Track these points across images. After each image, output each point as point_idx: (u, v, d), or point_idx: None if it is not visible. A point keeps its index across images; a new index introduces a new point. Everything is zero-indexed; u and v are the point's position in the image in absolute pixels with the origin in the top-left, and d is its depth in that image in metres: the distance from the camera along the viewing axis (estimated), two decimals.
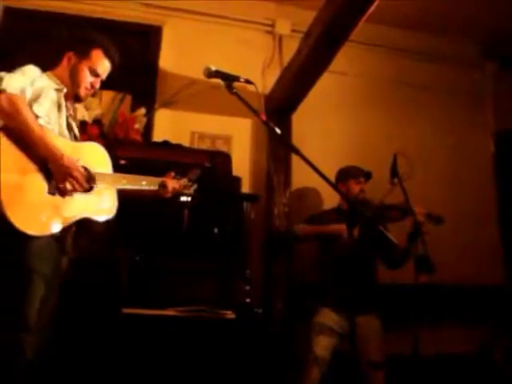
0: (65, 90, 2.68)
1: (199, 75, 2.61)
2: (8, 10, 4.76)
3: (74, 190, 2.46)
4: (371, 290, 3.88)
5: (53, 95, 2.60)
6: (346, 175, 4.04)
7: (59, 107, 2.64)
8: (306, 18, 4.27)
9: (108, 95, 4.65)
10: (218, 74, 2.51)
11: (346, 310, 3.73)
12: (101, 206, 2.65)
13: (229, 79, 2.50)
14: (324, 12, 3.87)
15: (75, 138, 2.76)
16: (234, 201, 4.03)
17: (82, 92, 2.75)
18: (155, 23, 5.04)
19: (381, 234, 2.49)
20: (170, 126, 4.79)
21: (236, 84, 2.51)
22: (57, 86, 2.65)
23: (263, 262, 4.63)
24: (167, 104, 4.76)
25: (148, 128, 4.69)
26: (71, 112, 2.78)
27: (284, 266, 4.57)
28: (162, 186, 3.01)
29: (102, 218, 2.65)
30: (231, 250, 3.85)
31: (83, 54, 2.74)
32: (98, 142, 4.10)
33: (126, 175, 2.85)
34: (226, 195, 4.04)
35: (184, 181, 3.17)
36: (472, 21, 5.29)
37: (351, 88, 5.33)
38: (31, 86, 2.45)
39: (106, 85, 4.49)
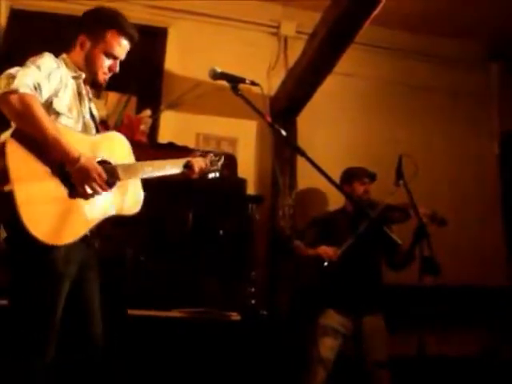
0: (83, 76, 2.53)
1: (204, 77, 2.61)
2: (14, 12, 4.79)
3: (95, 192, 2.30)
4: (376, 291, 3.88)
5: (72, 83, 2.47)
6: (351, 176, 4.03)
7: (80, 96, 2.51)
8: (311, 19, 4.28)
9: (114, 97, 4.66)
10: (223, 75, 2.51)
11: (350, 310, 3.74)
12: (126, 200, 2.50)
13: (234, 81, 2.50)
14: (329, 13, 3.88)
15: (95, 123, 2.62)
16: (239, 202, 4.04)
17: (101, 77, 2.58)
18: (161, 25, 5.06)
19: (385, 235, 2.48)
20: (176, 127, 4.80)
21: (241, 86, 2.51)
22: (74, 74, 2.49)
23: (268, 263, 4.63)
24: (173, 106, 4.77)
25: (153, 129, 4.70)
26: (90, 95, 2.64)
27: (289, 268, 4.57)
28: (188, 166, 2.85)
29: (128, 213, 2.52)
30: (236, 252, 3.85)
31: (97, 36, 2.54)
32: None
33: (149, 162, 2.65)
34: (232, 197, 4.05)
35: (210, 156, 3.03)
36: (477, 22, 5.28)
37: (356, 89, 5.33)
38: (48, 80, 2.28)
39: (112, 86, 4.52)
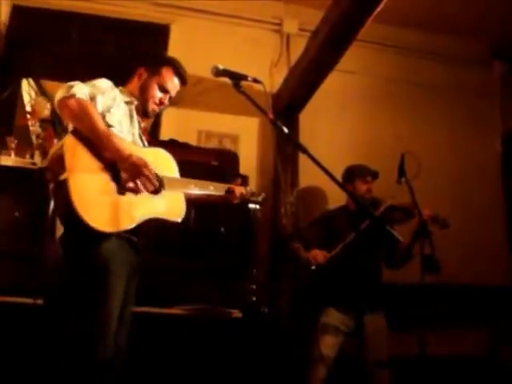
0: (135, 103, 2.75)
1: (207, 74, 2.61)
2: (16, 8, 4.79)
3: (146, 187, 2.47)
4: (377, 289, 3.88)
5: (124, 107, 2.67)
6: (353, 174, 4.02)
7: (131, 118, 2.72)
8: (314, 17, 4.27)
9: None
10: (225, 72, 2.51)
11: (352, 308, 3.73)
12: (170, 207, 2.65)
13: (236, 78, 2.49)
14: (331, 11, 3.87)
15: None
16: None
17: (150, 107, 2.81)
18: (163, 22, 5.06)
19: (386, 232, 2.47)
20: (177, 124, 4.80)
21: (243, 83, 2.51)
22: (127, 99, 2.71)
23: (270, 260, 4.63)
24: (174, 102, 4.75)
25: (155, 126, 4.71)
26: (141, 125, 2.85)
27: (290, 265, 4.57)
28: (229, 191, 3.02)
29: (171, 219, 2.66)
30: (238, 249, 3.85)
31: (154, 70, 2.81)
32: None
33: (193, 180, 2.85)
34: None
35: (250, 188, 3.19)
36: (480, 21, 5.28)
37: (359, 87, 5.33)
38: (102, 95, 2.51)
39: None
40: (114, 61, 4.59)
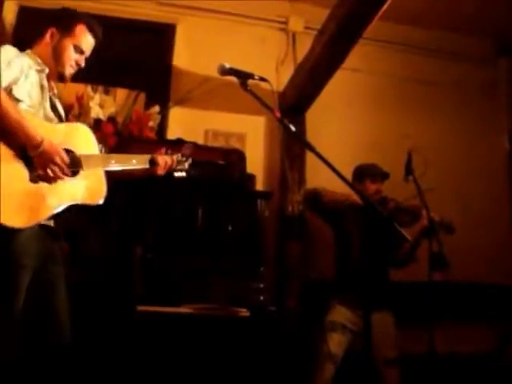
0: (47, 71, 2.55)
1: (213, 73, 2.61)
2: (23, 9, 4.79)
3: (57, 176, 2.29)
4: (384, 287, 3.88)
5: (34, 76, 2.46)
6: (363, 174, 4.00)
7: (42, 88, 2.50)
8: (320, 15, 4.27)
9: (122, 93, 4.66)
10: (232, 71, 2.50)
11: (359, 306, 3.72)
12: (90, 190, 2.46)
13: (243, 77, 2.48)
14: (337, 9, 3.87)
15: (60, 118, 2.63)
16: (248, 198, 4.03)
17: (67, 71, 2.61)
18: (169, 21, 5.06)
19: (395, 231, 2.47)
20: (184, 123, 4.80)
21: (250, 81, 2.50)
22: (38, 67, 2.51)
23: (277, 259, 4.63)
24: (181, 102, 4.77)
25: (162, 126, 4.70)
26: (55, 91, 2.66)
27: (298, 264, 4.57)
28: (153, 162, 2.82)
29: (92, 203, 2.47)
30: (245, 248, 3.85)
31: (66, 29, 2.60)
32: (113, 139, 4.16)
33: (114, 155, 2.67)
34: (241, 192, 4.05)
35: (177, 156, 3.00)
36: (485, 17, 5.26)
37: (365, 85, 5.32)
38: (7, 68, 2.29)
39: (121, 83, 4.53)
40: (121, 60, 4.61)
